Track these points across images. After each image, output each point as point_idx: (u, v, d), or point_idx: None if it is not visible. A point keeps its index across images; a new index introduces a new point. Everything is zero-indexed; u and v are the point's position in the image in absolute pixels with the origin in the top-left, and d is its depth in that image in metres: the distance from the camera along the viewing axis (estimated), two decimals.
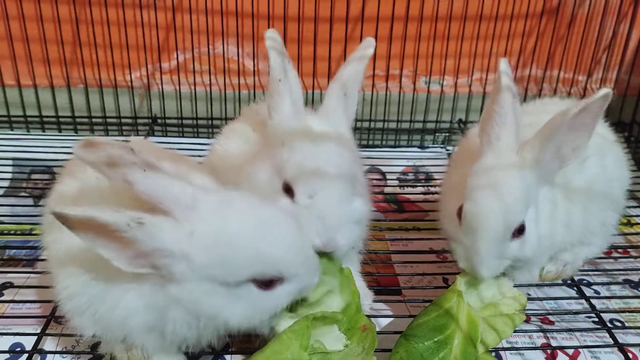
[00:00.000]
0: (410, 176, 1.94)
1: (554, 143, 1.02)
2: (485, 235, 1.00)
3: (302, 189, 1.00)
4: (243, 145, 1.21)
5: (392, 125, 2.09)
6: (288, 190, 1.02)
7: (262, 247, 0.83)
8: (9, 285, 1.32)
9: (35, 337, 1.11)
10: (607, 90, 0.97)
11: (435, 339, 0.98)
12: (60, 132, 2.02)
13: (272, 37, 1.06)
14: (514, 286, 1.10)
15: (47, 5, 1.88)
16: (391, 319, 1.23)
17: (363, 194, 1.09)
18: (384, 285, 1.38)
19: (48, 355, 1.12)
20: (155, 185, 0.80)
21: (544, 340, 1.21)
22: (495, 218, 0.99)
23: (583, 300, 1.28)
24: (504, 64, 1.02)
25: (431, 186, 1.87)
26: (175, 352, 1.00)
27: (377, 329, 1.04)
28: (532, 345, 1.19)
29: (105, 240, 0.79)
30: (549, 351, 1.18)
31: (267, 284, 0.86)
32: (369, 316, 1.08)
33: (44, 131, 2.01)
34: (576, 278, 1.34)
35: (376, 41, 1.89)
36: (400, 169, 1.96)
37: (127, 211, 0.77)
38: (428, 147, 2.08)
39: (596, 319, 1.24)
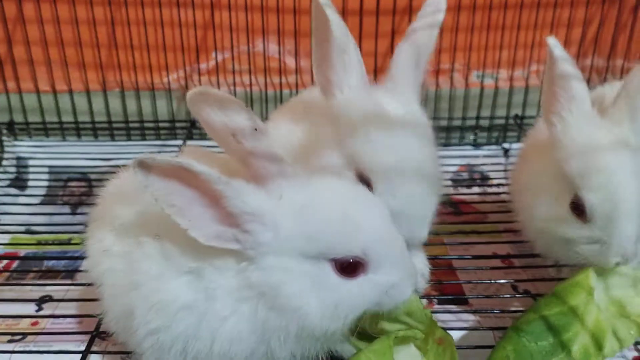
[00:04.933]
0: (465, 176, 1.82)
1: None
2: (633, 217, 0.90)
3: (383, 186, 0.92)
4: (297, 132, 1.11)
5: (443, 122, 1.97)
6: (363, 180, 0.94)
7: (350, 219, 0.77)
8: (48, 298, 1.25)
9: (80, 356, 1.03)
10: None
11: (552, 341, 0.86)
12: (96, 138, 1.95)
13: (327, 3, 0.94)
14: None
15: (82, 7, 1.81)
16: (464, 331, 1.12)
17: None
18: (448, 294, 1.28)
19: None
20: (262, 147, 0.76)
21: (636, 354, 1.07)
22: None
23: None
24: (552, 40, 0.94)
25: (488, 186, 1.76)
26: None
27: None
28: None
29: (188, 198, 0.73)
30: None
31: (348, 269, 0.77)
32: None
33: (79, 138, 1.95)
34: None
35: None
36: (453, 168, 1.84)
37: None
38: (482, 145, 1.95)
39: None
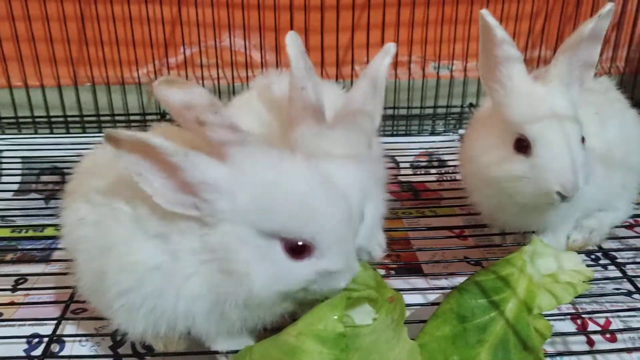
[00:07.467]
0: (424, 163, 1.92)
1: (577, 57, 1.09)
2: (571, 143, 1.04)
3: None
4: (255, 125, 1.18)
5: (403, 112, 2.07)
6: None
7: (308, 201, 0.82)
8: (23, 280, 1.29)
9: (54, 323, 1.09)
10: (611, 4, 1.08)
11: (489, 299, 0.96)
12: (68, 131, 2.00)
13: (293, 41, 1.01)
14: None
15: (52, 4, 1.87)
16: (415, 295, 1.21)
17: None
18: (404, 262, 1.37)
19: (67, 343, 1.10)
20: (224, 128, 0.81)
21: (573, 311, 1.18)
22: (572, 127, 1.05)
23: (612, 268, 1.24)
24: (484, 11, 1.09)
25: (444, 172, 1.86)
26: (239, 335, 0.95)
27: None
28: (560, 316, 1.15)
29: (150, 168, 0.80)
30: (579, 321, 1.15)
31: (296, 250, 0.83)
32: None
33: (52, 132, 2.00)
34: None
35: (383, 28, 1.93)
36: (413, 156, 1.94)
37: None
38: (440, 134, 2.06)
39: (627, 288, 1.21)
